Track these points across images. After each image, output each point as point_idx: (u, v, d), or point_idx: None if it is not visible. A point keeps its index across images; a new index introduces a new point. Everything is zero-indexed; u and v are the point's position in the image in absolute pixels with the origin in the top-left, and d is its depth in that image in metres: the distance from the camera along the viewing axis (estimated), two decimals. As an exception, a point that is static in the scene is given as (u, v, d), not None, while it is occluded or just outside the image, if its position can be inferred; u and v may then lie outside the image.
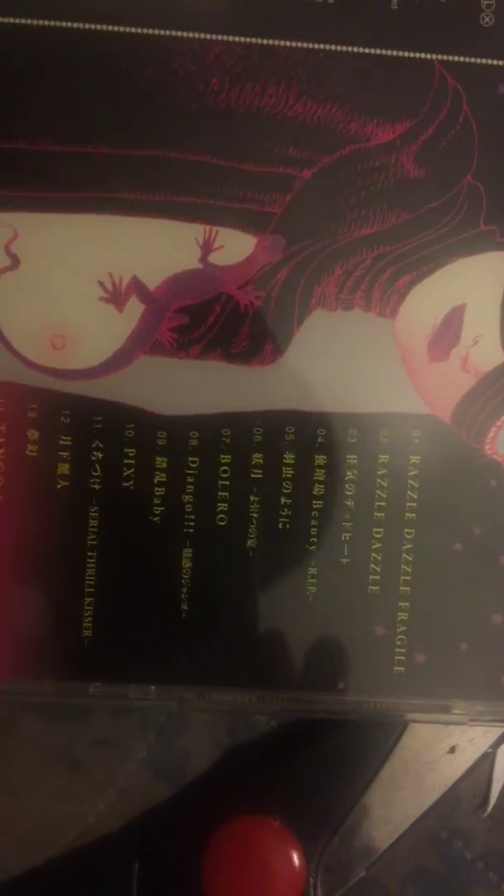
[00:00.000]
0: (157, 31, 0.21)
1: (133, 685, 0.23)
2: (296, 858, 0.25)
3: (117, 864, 0.26)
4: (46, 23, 0.21)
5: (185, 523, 0.23)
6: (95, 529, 0.23)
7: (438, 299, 0.22)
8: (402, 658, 0.23)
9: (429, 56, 0.22)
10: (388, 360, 0.23)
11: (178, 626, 0.23)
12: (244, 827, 0.26)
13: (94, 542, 0.23)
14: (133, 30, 0.21)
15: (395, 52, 0.22)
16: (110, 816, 0.27)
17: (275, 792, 0.27)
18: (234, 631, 0.23)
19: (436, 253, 0.22)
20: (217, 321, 0.22)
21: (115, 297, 0.22)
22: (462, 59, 0.22)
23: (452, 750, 0.27)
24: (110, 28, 0.21)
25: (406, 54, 0.22)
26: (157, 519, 0.23)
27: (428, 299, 0.22)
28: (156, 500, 0.23)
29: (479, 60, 0.22)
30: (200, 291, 0.22)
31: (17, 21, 0.21)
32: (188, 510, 0.23)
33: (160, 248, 0.22)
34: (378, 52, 0.22)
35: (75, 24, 0.21)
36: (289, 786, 0.27)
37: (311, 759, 0.27)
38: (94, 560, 0.23)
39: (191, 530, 0.23)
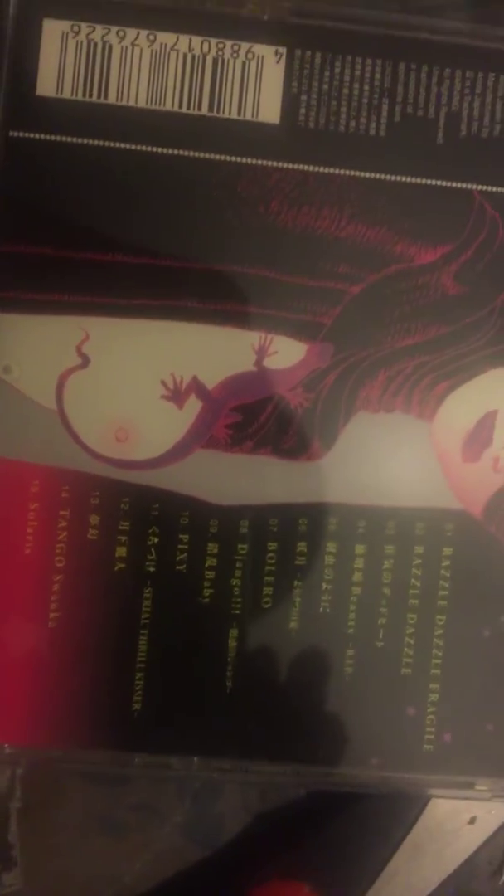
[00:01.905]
0: (225, 157, 0.23)
1: (176, 757, 0.25)
2: (324, 924, 0.26)
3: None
4: (133, 146, 0.23)
5: (233, 605, 0.24)
6: (149, 609, 0.24)
7: (473, 405, 0.24)
8: (431, 737, 0.25)
9: (470, 186, 0.24)
10: (425, 458, 0.24)
11: (222, 702, 0.24)
12: (275, 891, 0.27)
13: (147, 621, 0.24)
14: (205, 155, 0.23)
15: (438, 182, 0.24)
16: (146, 877, 0.28)
17: (304, 858, 0.28)
18: (275, 707, 0.25)
19: (471, 363, 0.24)
20: (269, 419, 0.24)
21: (176, 396, 0.24)
22: (500, 189, 0.24)
23: (473, 821, 0.28)
24: (186, 153, 0.23)
25: (449, 184, 0.24)
26: (206, 600, 0.24)
27: (463, 404, 0.24)
28: (206, 583, 0.24)
29: (515, 191, 0.24)
30: (255, 392, 0.24)
31: (103, 143, 0.23)
32: (236, 593, 0.24)
33: (219, 352, 0.24)
34: (423, 181, 0.24)
35: (157, 149, 0.23)
36: (318, 852, 0.28)
37: (340, 827, 0.28)
38: (146, 638, 0.24)
39: (238, 612, 0.24)
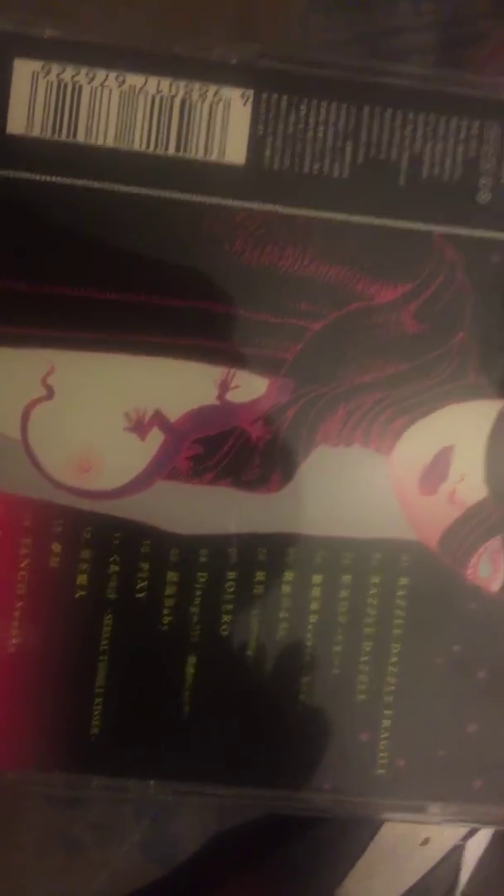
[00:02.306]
0: (192, 197, 0.24)
1: (133, 779, 0.25)
2: (277, 943, 0.27)
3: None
4: (101, 185, 0.23)
5: (191, 633, 0.25)
6: (109, 635, 0.25)
7: (430, 439, 0.25)
8: (384, 762, 0.25)
9: (430, 228, 0.24)
10: (382, 491, 0.25)
11: (179, 727, 0.25)
12: (230, 912, 0.27)
13: (107, 647, 0.25)
14: (172, 194, 0.24)
15: (400, 224, 0.24)
16: (104, 895, 0.28)
17: (259, 878, 0.29)
18: (231, 732, 0.25)
19: (430, 399, 0.25)
20: (230, 452, 0.25)
21: (139, 428, 0.24)
22: (460, 231, 0.24)
23: (426, 842, 0.29)
24: (153, 192, 0.24)
25: (410, 226, 0.24)
26: (165, 627, 0.25)
27: (421, 439, 0.25)
28: (165, 611, 0.25)
29: (474, 233, 0.24)
30: (216, 425, 0.24)
31: (72, 181, 0.23)
32: (194, 621, 0.25)
33: (182, 385, 0.24)
34: (385, 222, 0.24)
35: (125, 188, 0.23)
36: (273, 872, 0.29)
37: (295, 848, 0.29)
38: (105, 663, 0.25)
39: (196, 639, 0.25)
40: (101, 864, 0.29)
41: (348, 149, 0.24)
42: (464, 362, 0.25)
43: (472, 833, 0.29)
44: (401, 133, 0.24)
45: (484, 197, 0.24)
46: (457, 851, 0.29)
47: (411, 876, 0.29)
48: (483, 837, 0.30)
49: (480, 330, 0.25)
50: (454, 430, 0.25)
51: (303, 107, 0.24)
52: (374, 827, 0.29)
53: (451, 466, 0.25)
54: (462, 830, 0.29)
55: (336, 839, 0.29)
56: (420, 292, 0.24)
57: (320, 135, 0.24)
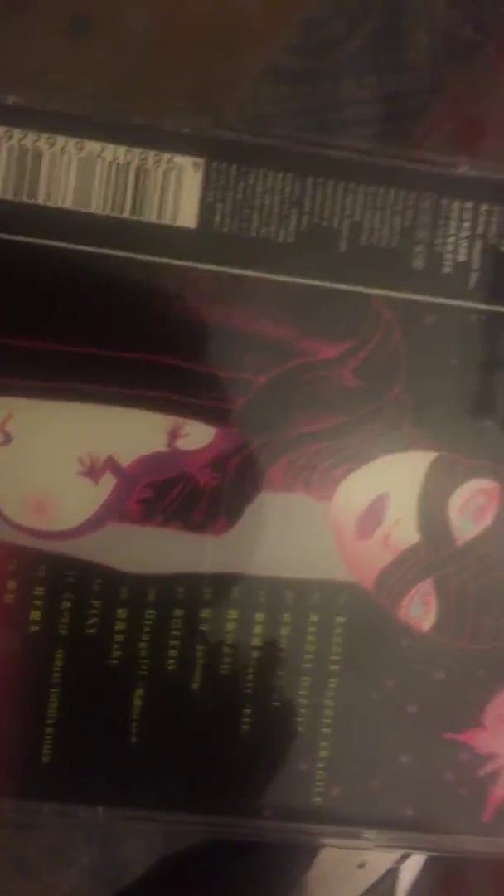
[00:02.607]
0: (146, 257, 0.25)
1: (83, 806, 0.26)
2: None
3: None
4: (60, 244, 0.25)
5: (139, 667, 0.26)
6: (60, 669, 0.26)
7: (367, 487, 0.27)
8: (321, 790, 0.27)
9: (368, 290, 0.26)
10: (322, 535, 0.26)
11: (127, 756, 0.26)
12: (173, 932, 0.29)
13: (59, 680, 0.26)
14: (127, 254, 0.25)
15: (341, 286, 0.26)
16: (53, 918, 0.30)
17: (203, 899, 0.30)
18: (177, 761, 0.26)
19: (367, 449, 0.26)
20: (179, 496, 0.26)
21: (92, 473, 0.26)
22: (396, 294, 0.26)
23: (362, 865, 0.31)
24: (109, 252, 0.25)
25: (350, 288, 0.26)
26: (115, 662, 0.26)
27: (358, 487, 0.27)
28: (115, 646, 0.26)
29: (409, 296, 0.26)
30: (166, 471, 0.26)
31: (32, 241, 0.25)
32: (142, 655, 0.26)
33: (134, 433, 0.26)
34: (327, 285, 0.26)
35: (83, 247, 0.25)
36: (216, 893, 0.30)
37: (238, 870, 0.30)
38: (56, 695, 0.26)
39: (143, 673, 0.26)
40: (53, 887, 0.30)
41: (293, 215, 0.26)
42: (399, 415, 0.26)
43: (406, 856, 0.31)
44: (342, 202, 0.26)
45: (418, 263, 0.26)
46: (392, 874, 0.31)
47: (349, 897, 0.31)
48: (417, 860, 0.31)
49: (414, 385, 0.26)
50: (389, 479, 0.27)
51: (251, 175, 0.25)
52: (313, 851, 0.30)
53: (387, 512, 0.27)
54: (396, 855, 0.31)
55: (277, 863, 0.30)
56: (359, 350, 0.26)
57: (267, 202, 0.25)
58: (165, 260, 0.25)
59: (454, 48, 0.27)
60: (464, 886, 0.32)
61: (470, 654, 0.27)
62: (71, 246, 0.25)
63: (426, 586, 0.27)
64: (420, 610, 0.27)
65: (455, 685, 0.27)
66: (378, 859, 0.31)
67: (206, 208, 0.25)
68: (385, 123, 0.27)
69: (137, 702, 0.26)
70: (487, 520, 0.27)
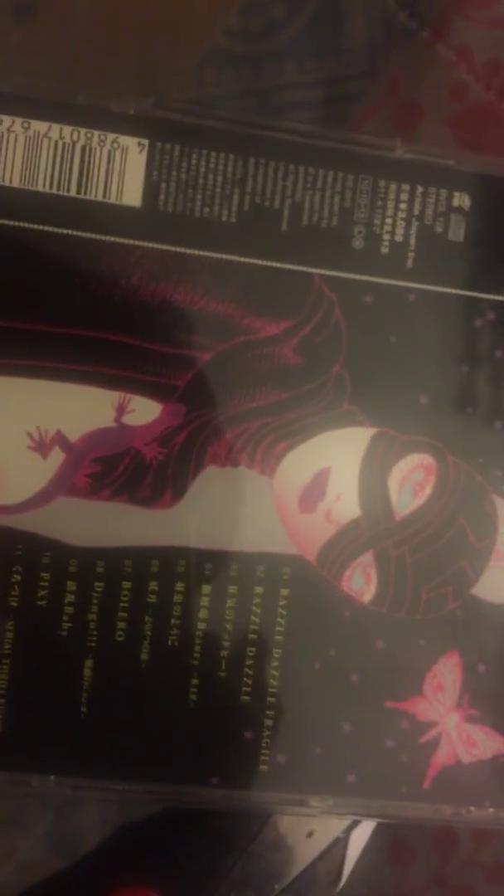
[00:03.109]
0: (91, 235, 0.26)
1: (36, 775, 0.27)
2: (169, 928, 0.29)
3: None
4: (7, 222, 0.25)
5: (89, 638, 0.27)
6: (11, 640, 0.26)
7: (309, 462, 0.27)
8: (266, 758, 0.28)
9: (310, 269, 0.27)
10: (266, 509, 0.27)
11: (77, 726, 0.27)
12: (125, 899, 0.29)
13: (9, 651, 0.26)
14: (73, 232, 0.26)
15: (282, 265, 0.27)
16: (9, 886, 0.30)
17: (156, 867, 0.30)
18: (126, 731, 0.27)
19: (308, 425, 0.27)
20: (126, 470, 0.27)
21: (41, 447, 0.26)
22: (336, 273, 0.27)
23: (310, 834, 0.31)
24: (56, 230, 0.26)
25: (291, 267, 0.27)
26: (64, 633, 0.27)
27: (300, 462, 0.27)
28: (65, 618, 0.27)
29: (349, 275, 0.27)
30: (113, 446, 0.27)
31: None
32: (92, 627, 0.27)
33: (82, 408, 0.26)
34: (269, 264, 0.27)
35: (29, 225, 0.25)
36: (168, 861, 0.31)
37: (189, 839, 0.31)
38: (7, 666, 0.26)
39: (93, 644, 0.27)
40: (6, 857, 0.30)
41: (235, 196, 0.26)
42: (339, 392, 0.27)
43: (353, 826, 0.31)
44: (283, 183, 0.26)
45: (358, 243, 0.27)
46: (340, 843, 0.32)
47: (297, 865, 0.31)
48: (365, 830, 0.32)
49: (354, 363, 0.27)
50: (331, 454, 0.27)
51: (194, 156, 0.26)
52: (261, 820, 0.31)
53: (328, 487, 0.27)
54: (343, 824, 0.31)
55: (227, 830, 0.31)
56: (300, 328, 0.27)
57: (210, 182, 0.26)
58: (111, 238, 0.26)
59: (391, 33, 0.28)
60: (409, 854, 0.32)
61: (410, 624, 0.28)
62: (17, 223, 0.25)
63: (367, 559, 0.27)
64: (361, 582, 0.27)
65: (396, 655, 0.28)
66: (326, 828, 0.31)
67: (150, 188, 0.26)
68: (325, 107, 0.28)
69: (87, 672, 0.27)
70: (425, 494, 0.27)
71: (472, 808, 0.28)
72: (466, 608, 0.28)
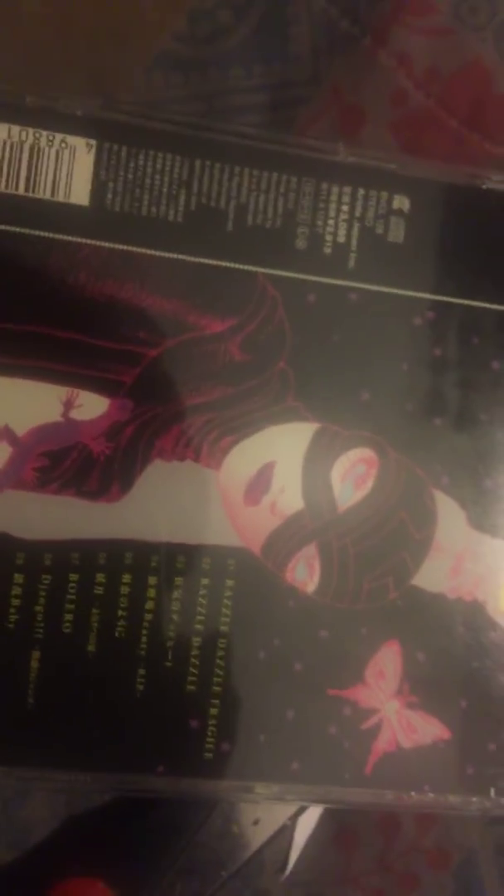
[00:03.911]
0: (39, 233, 0.26)
1: (-19, 765, 0.27)
2: (116, 916, 0.29)
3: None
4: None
5: (36, 630, 0.27)
6: (-42, 632, 0.27)
7: (254, 456, 0.28)
8: (212, 747, 0.28)
9: (254, 269, 0.27)
10: (211, 502, 0.28)
11: (24, 717, 0.27)
12: (72, 887, 0.30)
13: (-44, 643, 0.27)
14: (21, 230, 0.26)
15: (228, 264, 0.27)
16: (-44, 879, 0.30)
17: (103, 856, 0.31)
18: (73, 721, 0.27)
19: (253, 420, 0.28)
20: (73, 464, 0.27)
21: (-12, 441, 0.27)
22: (280, 272, 0.28)
23: (256, 822, 0.32)
24: (4, 227, 0.26)
25: (237, 266, 0.27)
26: (11, 625, 0.27)
27: (246, 456, 0.28)
28: (11, 610, 0.27)
29: (293, 275, 0.28)
30: (61, 440, 0.27)
31: None
32: (39, 619, 0.27)
33: (30, 403, 0.27)
34: (215, 262, 0.27)
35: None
36: (116, 851, 0.31)
37: (136, 829, 0.31)
38: (-46, 658, 0.27)
39: (40, 636, 0.27)
40: (-46, 849, 0.31)
41: (182, 196, 0.27)
42: (283, 388, 0.28)
43: (299, 813, 0.32)
44: (228, 184, 0.27)
45: (301, 244, 0.28)
46: (286, 831, 0.32)
47: (244, 853, 0.32)
48: (310, 817, 0.33)
49: (298, 360, 0.28)
50: (275, 448, 0.28)
51: (141, 156, 0.27)
52: (208, 808, 0.31)
53: (273, 480, 0.28)
54: (290, 810, 0.32)
55: (174, 818, 0.31)
56: (245, 325, 0.27)
57: (157, 182, 0.27)
58: (59, 236, 0.26)
59: (334, 40, 0.29)
60: (354, 840, 0.33)
61: (352, 614, 0.28)
62: (-35, 221, 0.26)
63: (310, 550, 0.28)
64: (305, 573, 0.28)
65: (338, 644, 0.28)
66: (272, 816, 0.32)
67: (98, 187, 0.26)
68: (271, 111, 0.29)
69: (34, 664, 0.27)
70: (367, 487, 0.28)
71: (412, 793, 0.29)
72: (406, 598, 0.29)
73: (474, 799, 0.29)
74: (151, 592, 0.28)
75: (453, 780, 0.29)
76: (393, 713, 0.29)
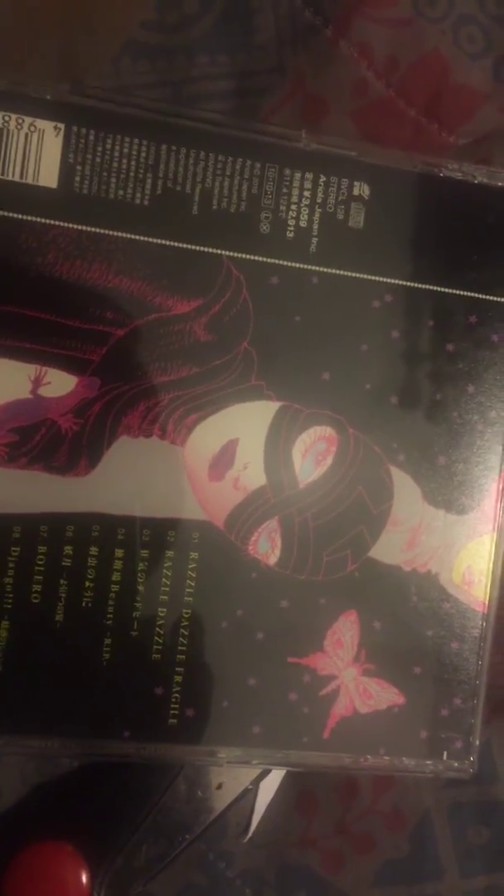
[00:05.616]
0: (8, 214, 0.27)
1: (-48, 732, 0.28)
2: (83, 876, 0.31)
3: None
4: None
5: (5, 600, 0.28)
6: None
7: (218, 433, 0.29)
8: (176, 713, 0.29)
9: (219, 251, 0.28)
10: (177, 477, 0.29)
11: (-7, 685, 0.28)
12: (40, 851, 0.31)
13: None
14: (-13, 211, 0.27)
15: (193, 247, 0.28)
16: None
17: (70, 821, 0.32)
18: (41, 688, 0.28)
19: (217, 398, 0.29)
20: (42, 440, 0.28)
21: (-41, 417, 0.27)
22: (244, 255, 0.28)
23: (220, 786, 0.33)
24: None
25: (202, 249, 0.28)
26: (-19, 596, 0.28)
27: (210, 433, 0.29)
28: (-19, 581, 0.28)
29: (256, 258, 0.29)
30: (30, 416, 0.28)
31: None
32: (8, 590, 0.28)
33: (-1, 380, 0.27)
34: (180, 245, 0.28)
35: None
36: (83, 816, 0.32)
37: (104, 794, 0.32)
38: None
39: (9, 606, 0.28)
40: None
41: (148, 180, 0.28)
42: (247, 367, 0.29)
43: (261, 777, 0.33)
44: (194, 169, 0.28)
45: (265, 228, 0.29)
46: (249, 795, 0.34)
47: (208, 816, 0.33)
48: (272, 781, 0.34)
49: (261, 340, 0.29)
50: (239, 426, 0.29)
51: (109, 140, 0.27)
52: (173, 773, 0.32)
53: (236, 457, 0.29)
54: (252, 775, 0.33)
55: (140, 782, 0.32)
56: (210, 306, 0.28)
57: (124, 166, 0.28)
58: (28, 217, 0.27)
59: (297, 30, 0.29)
60: (314, 803, 0.35)
61: (312, 585, 0.30)
62: None
63: (272, 524, 0.29)
64: (267, 546, 0.29)
65: (299, 614, 0.30)
66: (235, 780, 0.33)
67: (66, 169, 0.27)
68: (237, 98, 0.29)
69: (3, 633, 0.28)
70: (327, 464, 0.29)
71: (368, 757, 0.31)
72: (364, 570, 0.30)
73: (428, 762, 0.31)
74: (118, 564, 0.28)
75: (408, 743, 0.30)
76: (350, 680, 0.30)
